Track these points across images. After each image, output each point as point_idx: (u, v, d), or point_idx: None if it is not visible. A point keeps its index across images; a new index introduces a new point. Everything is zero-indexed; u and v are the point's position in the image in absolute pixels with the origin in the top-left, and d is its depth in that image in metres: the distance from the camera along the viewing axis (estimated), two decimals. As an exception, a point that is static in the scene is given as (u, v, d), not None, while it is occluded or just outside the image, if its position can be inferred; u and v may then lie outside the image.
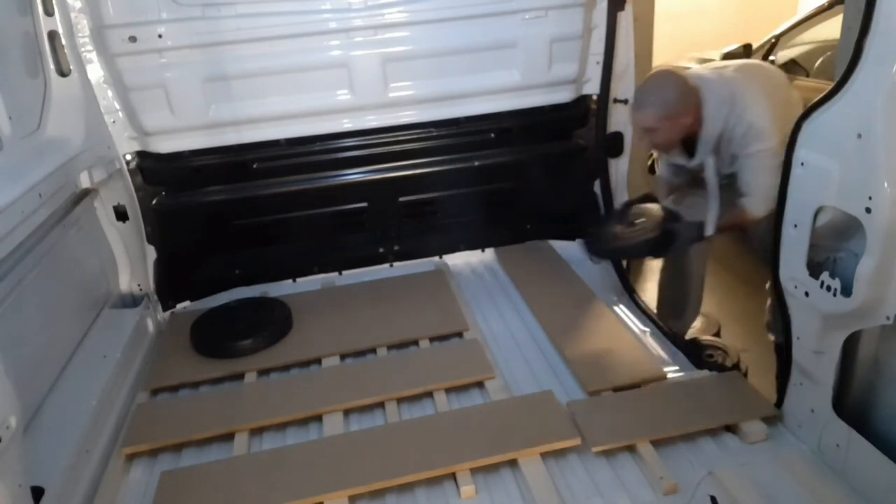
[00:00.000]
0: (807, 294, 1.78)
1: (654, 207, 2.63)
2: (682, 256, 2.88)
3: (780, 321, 1.96)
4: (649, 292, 3.64)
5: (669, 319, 2.88)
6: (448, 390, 2.34)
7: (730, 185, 2.58)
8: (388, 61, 2.83)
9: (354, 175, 3.09)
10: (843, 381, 1.85)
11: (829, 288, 1.70)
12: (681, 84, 2.40)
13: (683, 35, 6.36)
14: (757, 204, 2.43)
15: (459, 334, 2.71)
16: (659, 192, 2.85)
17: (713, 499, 1.78)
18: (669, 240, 2.53)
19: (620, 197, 3.19)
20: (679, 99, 2.38)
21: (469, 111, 3.03)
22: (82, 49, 2.57)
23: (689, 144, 2.58)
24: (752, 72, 2.57)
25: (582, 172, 3.21)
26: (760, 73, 2.60)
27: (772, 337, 2.97)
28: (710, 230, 2.58)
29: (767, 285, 2.70)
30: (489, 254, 3.44)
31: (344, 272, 3.28)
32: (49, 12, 2.42)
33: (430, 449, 2.00)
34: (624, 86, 3.03)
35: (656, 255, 2.71)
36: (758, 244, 2.84)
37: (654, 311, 2.95)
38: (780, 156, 2.25)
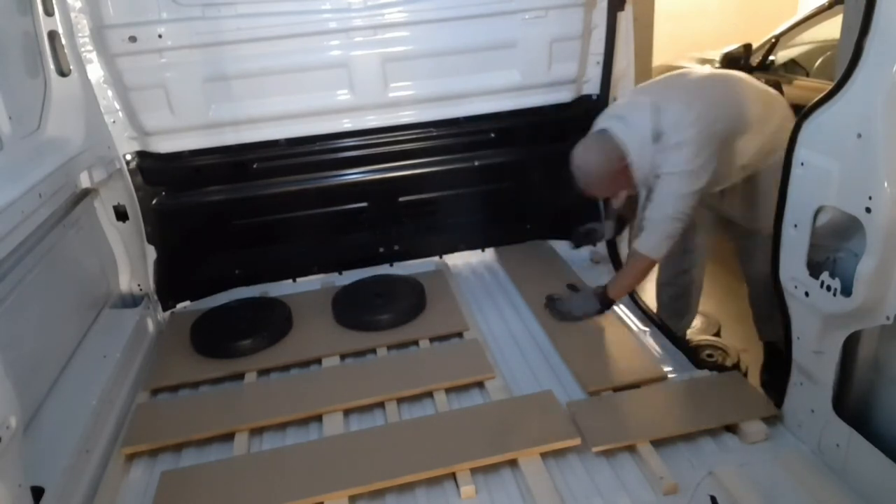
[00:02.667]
0: (807, 294, 1.78)
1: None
2: (682, 263, 2.94)
3: (780, 321, 1.96)
4: (649, 292, 3.65)
5: (670, 321, 2.88)
6: (448, 390, 2.34)
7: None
8: (388, 61, 2.83)
9: (354, 175, 3.09)
10: (843, 381, 1.84)
11: (829, 288, 1.70)
12: (597, 149, 2.39)
13: (683, 35, 6.36)
14: (647, 240, 2.42)
15: (459, 334, 2.71)
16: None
17: (713, 499, 1.78)
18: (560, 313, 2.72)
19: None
20: (600, 164, 2.38)
21: (469, 111, 3.02)
22: (82, 49, 2.57)
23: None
24: (687, 91, 2.46)
25: (582, 172, 3.21)
26: (700, 90, 2.47)
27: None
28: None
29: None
30: (489, 254, 3.44)
31: (344, 272, 3.28)
32: (49, 12, 2.42)
33: (430, 449, 2.00)
34: (624, 86, 3.03)
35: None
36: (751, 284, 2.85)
37: (655, 311, 2.96)
38: (696, 181, 2.29)
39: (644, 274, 2.57)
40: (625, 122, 2.38)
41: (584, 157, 2.42)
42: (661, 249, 2.42)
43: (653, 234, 2.41)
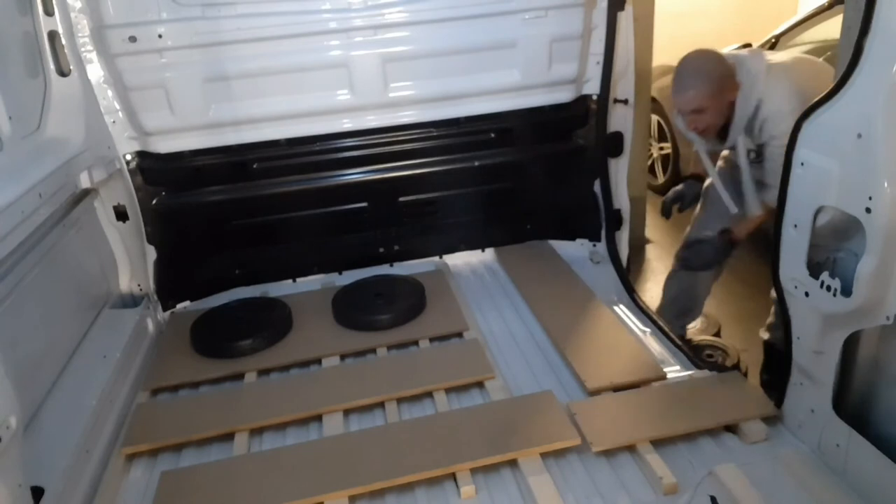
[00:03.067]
0: (807, 294, 1.78)
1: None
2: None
3: (780, 321, 1.96)
4: (649, 292, 3.65)
5: (672, 319, 2.88)
6: (448, 390, 2.34)
7: (758, 163, 2.61)
8: (388, 61, 2.83)
9: (354, 175, 3.09)
10: (843, 381, 1.85)
11: (829, 288, 1.70)
12: (718, 60, 2.42)
13: (683, 35, 6.33)
14: (774, 194, 2.49)
15: (459, 334, 2.71)
16: (705, 167, 2.89)
17: (713, 499, 1.78)
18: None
19: (620, 197, 3.19)
20: (720, 73, 2.40)
21: (469, 111, 3.02)
22: (82, 49, 2.57)
23: (722, 131, 2.61)
24: (791, 66, 2.54)
25: (582, 172, 3.21)
26: (799, 69, 2.57)
27: (766, 336, 2.98)
28: (755, 210, 2.66)
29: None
30: (489, 254, 3.44)
31: (344, 272, 3.28)
32: (49, 12, 2.42)
33: (430, 449, 2.00)
34: (624, 86, 3.03)
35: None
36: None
37: (655, 310, 2.96)
38: None
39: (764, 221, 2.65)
40: (743, 65, 2.43)
41: (706, 63, 2.41)
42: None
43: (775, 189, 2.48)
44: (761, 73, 2.42)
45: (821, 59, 2.89)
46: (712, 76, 2.41)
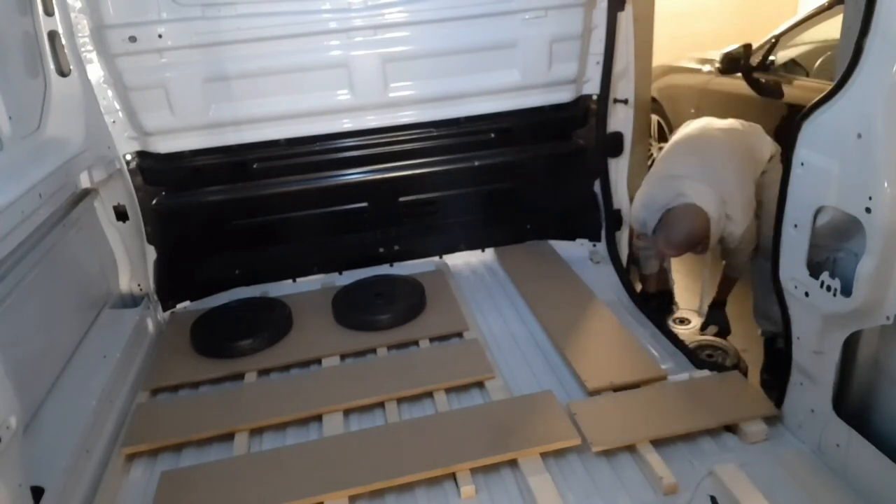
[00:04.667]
0: (807, 294, 1.78)
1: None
2: None
3: (779, 318, 1.97)
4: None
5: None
6: (448, 390, 2.34)
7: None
8: (388, 61, 2.83)
9: (354, 175, 3.08)
10: (843, 381, 1.85)
11: (829, 288, 1.70)
12: (699, 218, 2.72)
13: (683, 35, 6.35)
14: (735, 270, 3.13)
15: (459, 334, 2.71)
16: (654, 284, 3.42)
17: (713, 499, 1.78)
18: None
19: (620, 197, 3.19)
20: (700, 232, 2.73)
21: (469, 111, 3.02)
22: (82, 49, 2.57)
23: None
24: (721, 159, 2.90)
25: (582, 172, 3.21)
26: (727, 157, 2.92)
27: (760, 331, 3.02)
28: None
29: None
30: (489, 254, 3.44)
31: (344, 272, 3.28)
32: (49, 12, 2.42)
33: (430, 449, 2.00)
34: (624, 86, 3.03)
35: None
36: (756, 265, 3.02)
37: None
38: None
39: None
40: (701, 199, 2.75)
41: (691, 223, 2.74)
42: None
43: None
44: (716, 190, 2.77)
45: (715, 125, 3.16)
46: (696, 236, 2.74)
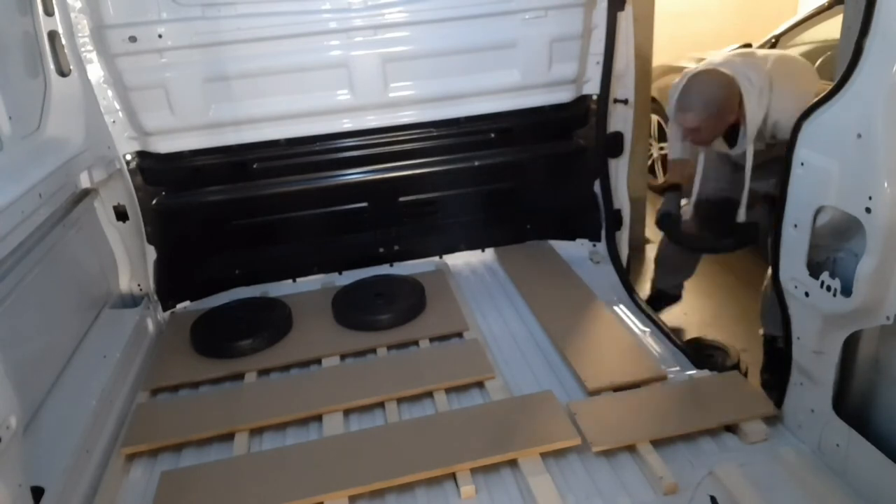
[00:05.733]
0: (807, 294, 1.78)
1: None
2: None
3: (781, 321, 1.96)
4: (649, 291, 3.64)
5: (664, 277, 2.95)
6: (448, 390, 2.34)
7: (764, 166, 2.66)
8: (387, 61, 2.83)
9: (354, 175, 3.08)
10: (843, 381, 1.85)
11: (829, 288, 1.70)
12: (724, 84, 2.47)
13: (683, 35, 6.36)
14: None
15: (459, 334, 2.71)
16: (678, 174, 3.02)
17: (713, 499, 1.78)
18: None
19: (620, 197, 3.19)
20: (723, 100, 2.47)
21: (469, 111, 3.02)
22: (82, 49, 2.57)
23: (730, 134, 2.67)
24: (787, 68, 2.61)
25: (582, 172, 3.21)
26: (794, 69, 2.65)
27: (761, 331, 3.01)
28: (741, 216, 2.74)
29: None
30: (489, 254, 3.44)
31: (344, 272, 3.28)
32: (49, 12, 2.42)
33: (430, 449, 2.00)
34: (624, 86, 3.03)
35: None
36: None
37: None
38: None
39: None
40: (745, 76, 2.46)
41: (709, 87, 2.46)
42: None
43: None
44: (765, 84, 2.48)
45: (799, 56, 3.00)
46: (716, 102, 2.48)
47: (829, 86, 2.43)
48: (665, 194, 3.07)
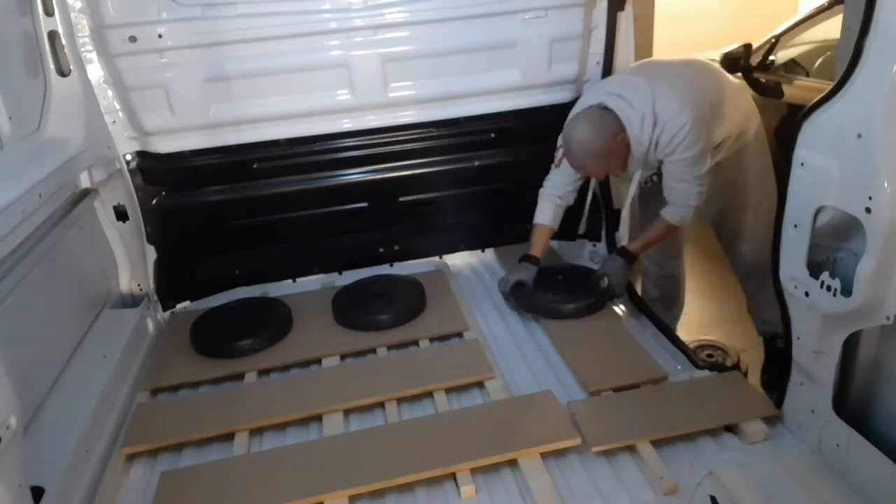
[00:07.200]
0: (807, 294, 1.78)
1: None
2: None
3: (781, 320, 1.97)
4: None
5: (660, 314, 2.95)
6: (448, 390, 2.34)
7: (654, 190, 2.70)
8: (388, 61, 2.83)
9: (354, 175, 3.09)
10: (843, 381, 1.85)
11: (829, 288, 1.70)
12: (603, 126, 2.40)
13: (683, 35, 6.35)
14: (672, 212, 2.59)
15: (459, 334, 2.71)
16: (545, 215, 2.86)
17: (713, 499, 1.78)
18: (608, 292, 2.69)
19: (620, 197, 3.18)
20: (608, 140, 2.40)
21: (469, 111, 3.02)
22: (82, 49, 2.57)
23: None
24: (672, 77, 2.53)
25: (582, 172, 3.20)
26: (682, 77, 2.57)
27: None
28: (624, 242, 2.78)
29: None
30: (489, 254, 3.44)
31: (344, 272, 3.28)
32: (49, 12, 2.42)
33: (430, 449, 2.00)
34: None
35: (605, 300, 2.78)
36: (741, 266, 2.93)
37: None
38: (702, 164, 2.47)
39: (664, 237, 2.73)
40: (625, 101, 2.42)
41: (585, 130, 2.42)
42: (686, 219, 2.60)
43: (678, 210, 2.57)
44: (647, 107, 2.40)
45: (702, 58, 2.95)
46: (591, 143, 2.42)
47: (740, 88, 2.40)
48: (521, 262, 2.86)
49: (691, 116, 2.37)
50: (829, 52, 4.07)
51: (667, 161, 2.48)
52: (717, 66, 2.74)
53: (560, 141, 2.61)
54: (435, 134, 3.05)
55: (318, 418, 2.25)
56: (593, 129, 2.42)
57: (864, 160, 1.52)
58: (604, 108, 2.44)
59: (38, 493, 1.67)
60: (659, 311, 2.93)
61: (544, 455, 1.96)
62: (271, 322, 2.77)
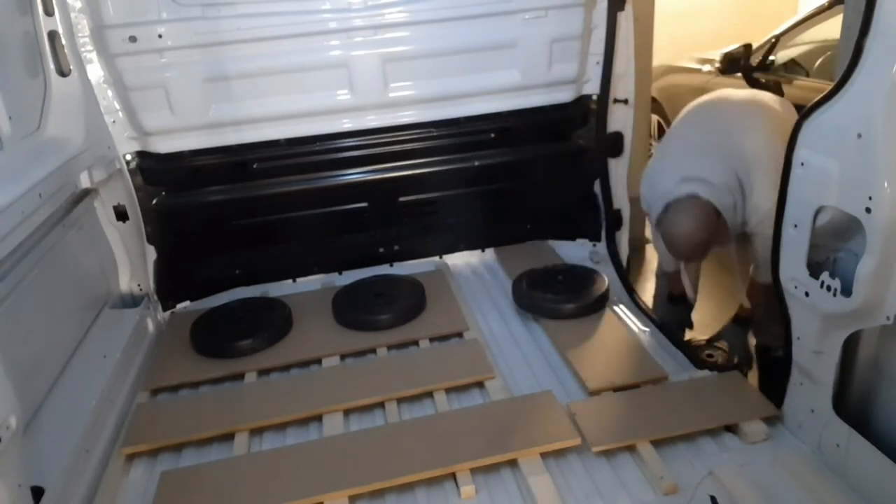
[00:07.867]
0: (807, 294, 1.78)
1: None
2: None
3: (781, 321, 1.97)
4: (649, 292, 3.65)
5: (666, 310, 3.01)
6: (448, 390, 2.34)
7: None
8: (388, 61, 2.84)
9: (354, 175, 3.09)
10: (843, 381, 1.85)
11: (829, 288, 1.70)
12: (703, 218, 2.45)
13: (683, 35, 6.35)
14: (764, 271, 2.64)
15: (459, 334, 2.71)
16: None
17: (713, 499, 1.78)
18: None
19: (620, 197, 3.19)
20: (707, 230, 2.47)
21: (469, 111, 3.03)
22: (82, 49, 2.57)
23: None
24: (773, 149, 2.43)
25: (582, 172, 3.21)
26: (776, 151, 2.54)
27: (747, 304, 3.01)
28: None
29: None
30: (489, 254, 3.44)
31: (344, 272, 3.28)
32: (49, 12, 2.42)
33: (430, 449, 2.00)
34: (624, 86, 3.03)
35: None
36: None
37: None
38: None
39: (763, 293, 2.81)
40: (708, 184, 2.45)
41: (691, 229, 2.46)
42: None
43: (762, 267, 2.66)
44: (736, 184, 2.47)
45: (780, 98, 2.85)
46: (702, 241, 2.50)
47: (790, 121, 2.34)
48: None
49: (771, 187, 2.23)
50: (829, 52, 4.07)
51: (750, 226, 2.56)
52: (779, 106, 2.71)
53: (645, 204, 2.72)
54: (435, 134, 3.06)
55: (318, 418, 2.25)
56: (695, 225, 2.45)
57: (864, 160, 1.52)
58: (696, 198, 2.46)
59: (38, 493, 1.67)
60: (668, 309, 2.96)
61: (544, 455, 1.96)
62: (271, 322, 2.77)
